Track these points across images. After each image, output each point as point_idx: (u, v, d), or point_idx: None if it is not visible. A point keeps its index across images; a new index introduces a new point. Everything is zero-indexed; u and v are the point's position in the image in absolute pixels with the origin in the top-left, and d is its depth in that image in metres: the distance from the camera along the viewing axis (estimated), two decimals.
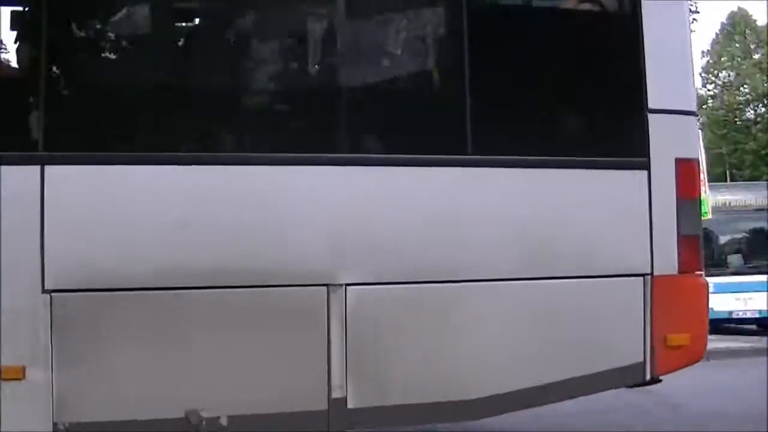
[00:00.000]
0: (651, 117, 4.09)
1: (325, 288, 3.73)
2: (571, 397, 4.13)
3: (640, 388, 4.23)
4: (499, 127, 3.95)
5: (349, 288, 3.74)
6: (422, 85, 4.12)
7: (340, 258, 3.76)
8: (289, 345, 3.70)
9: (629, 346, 4.03)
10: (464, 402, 3.85)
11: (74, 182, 3.51)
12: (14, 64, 3.86)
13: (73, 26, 3.80)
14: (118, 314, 3.54)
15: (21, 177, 3.48)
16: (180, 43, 4.08)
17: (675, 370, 4.18)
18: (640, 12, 4.10)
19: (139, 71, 3.82)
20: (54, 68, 3.69)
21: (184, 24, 4.13)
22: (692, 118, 4.26)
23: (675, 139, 4.15)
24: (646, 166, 4.07)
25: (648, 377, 4.08)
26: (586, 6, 4.30)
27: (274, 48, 4.00)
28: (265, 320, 3.69)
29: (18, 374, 3.44)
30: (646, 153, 4.07)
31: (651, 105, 4.09)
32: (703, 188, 5.28)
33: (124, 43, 3.95)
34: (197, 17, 4.11)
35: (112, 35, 3.95)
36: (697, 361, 4.25)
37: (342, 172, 3.79)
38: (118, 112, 3.69)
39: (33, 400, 3.46)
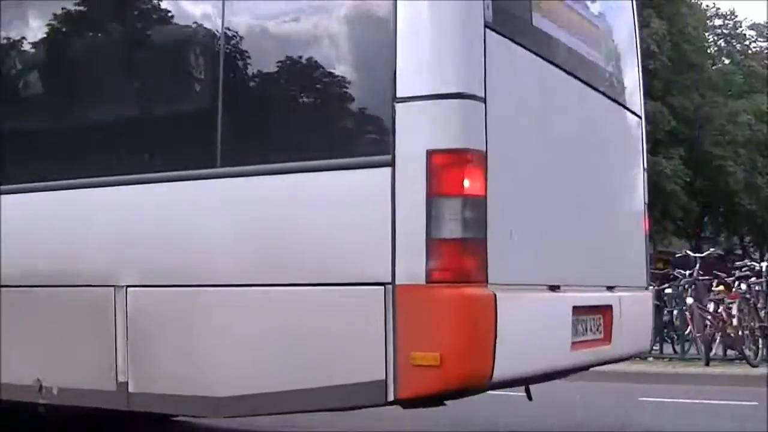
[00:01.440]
0: (399, 107, 3.77)
1: (112, 289, 4.39)
2: (314, 409, 4.03)
3: None
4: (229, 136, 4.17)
5: (129, 289, 4.35)
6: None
7: (123, 263, 4.39)
8: (90, 334, 4.47)
9: (369, 361, 3.79)
10: (214, 398, 4.13)
11: None
12: None
13: None
14: None
15: None
16: None
17: (430, 393, 3.74)
18: None
19: None
20: None
21: None
22: (460, 101, 3.72)
23: (431, 128, 3.74)
24: (390, 163, 3.78)
25: (392, 397, 3.75)
26: None
27: None
28: (72, 313, 4.52)
29: None
30: (389, 149, 3.78)
31: (400, 93, 3.77)
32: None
33: None
34: None
35: None
36: (468, 385, 3.73)
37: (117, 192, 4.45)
38: None
39: None
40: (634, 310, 5.25)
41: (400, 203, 3.75)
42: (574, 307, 4.44)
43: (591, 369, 5.21)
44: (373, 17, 3.95)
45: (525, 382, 4.43)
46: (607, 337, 4.88)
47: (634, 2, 5.74)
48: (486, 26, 3.86)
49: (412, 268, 3.71)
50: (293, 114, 4.17)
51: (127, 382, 4.35)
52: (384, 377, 3.75)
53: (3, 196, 4.71)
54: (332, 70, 4.05)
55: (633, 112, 5.58)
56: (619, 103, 5.37)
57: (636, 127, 5.62)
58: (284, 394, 3.99)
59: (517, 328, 3.83)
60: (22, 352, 4.67)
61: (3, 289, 4.66)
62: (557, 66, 4.52)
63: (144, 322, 4.33)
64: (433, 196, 3.71)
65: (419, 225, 3.71)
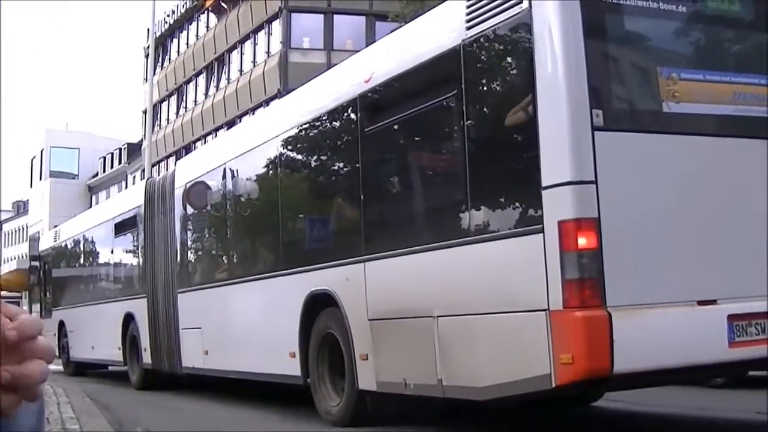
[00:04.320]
0: (544, 193, 6.12)
1: (431, 318, 7.30)
2: (514, 393, 6.44)
3: None
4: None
5: (439, 318, 7.22)
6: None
7: (434, 302, 7.28)
8: (422, 348, 7.40)
9: (540, 361, 6.15)
10: (476, 387, 6.80)
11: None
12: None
13: None
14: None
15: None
16: None
17: (572, 381, 5.97)
18: (536, 105, 6.19)
19: None
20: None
21: None
22: (574, 186, 5.91)
23: (559, 206, 6.02)
24: (542, 231, 6.15)
25: (554, 385, 6.07)
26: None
27: None
28: (412, 335, 7.50)
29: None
30: (541, 221, 6.14)
31: (544, 184, 6.12)
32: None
33: None
34: None
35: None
36: (591, 376, 5.89)
37: (423, 257, 7.35)
38: None
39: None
40: None
41: (548, 257, 6.09)
42: (732, 315, 6.22)
43: None
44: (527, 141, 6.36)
45: (660, 374, 6.29)
46: None
47: None
48: (594, 129, 6.02)
49: (556, 299, 6.03)
50: (500, 201, 6.77)
51: (442, 379, 7.21)
52: (549, 371, 6.10)
53: (374, 262, 7.97)
54: (518, 174, 6.59)
55: None
56: None
57: None
58: (502, 384, 6.53)
59: (635, 336, 5.90)
60: (393, 361, 7.82)
61: (380, 321, 7.90)
62: (698, 134, 6.38)
63: (446, 339, 7.16)
64: (562, 251, 6.01)
65: (558, 270, 6.02)
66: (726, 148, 6.51)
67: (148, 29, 40.68)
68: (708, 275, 6.30)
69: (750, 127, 6.61)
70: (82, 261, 20.10)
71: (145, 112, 46.77)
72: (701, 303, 6.22)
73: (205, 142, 41.84)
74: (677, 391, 7.93)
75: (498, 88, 7.01)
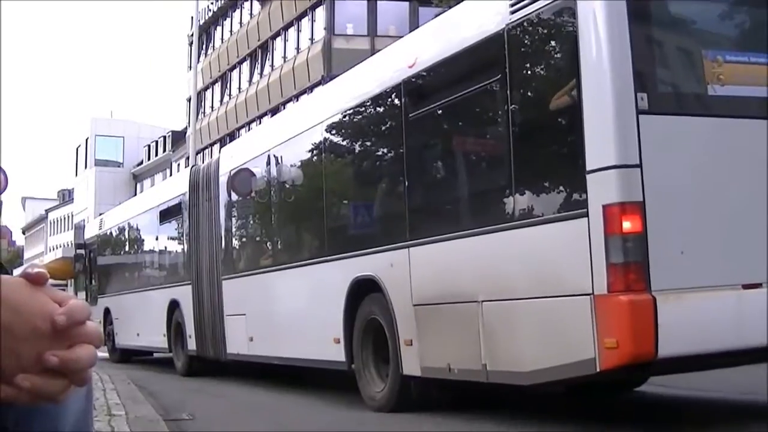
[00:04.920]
0: (588, 177, 6.17)
1: (476, 303, 7.38)
2: (558, 378, 6.51)
3: None
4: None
5: (483, 303, 7.31)
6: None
7: (478, 287, 7.36)
8: (466, 333, 7.51)
9: (585, 345, 6.22)
10: (522, 372, 6.87)
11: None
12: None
13: None
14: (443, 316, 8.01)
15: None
16: None
17: (617, 366, 6.03)
18: (581, 94, 6.24)
19: None
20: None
21: None
22: (618, 170, 5.97)
23: (603, 189, 6.07)
24: (586, 215, 6.21)
25: (598, 369, 6.13)
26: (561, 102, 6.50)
27: None
28: (457, 319, 7.60)
29: None
30: (586, 205, 6.20)
31: (588, 168, 6.18)
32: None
33: None
34: None
35: None
36: (636, 360, 5.94)
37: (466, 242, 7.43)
38: None
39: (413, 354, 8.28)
40: None
41: (593, 241, 6.14)
42: None
43: None
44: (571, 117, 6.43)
45: (705, 358, 6.31)
46: None
47: None
48: (639, 113, 6.06)
49: (600, 282, 6.08)
50: (545, 185, 6.84)
51: (486, 364, 7.30)
52: (594, 356, 6.17)
53: (419, 247, 8.07)
54: (562, 158, 6.65)
55: None
56: None
57: None
58: (546, 369, 6.61)
59: (680, 320, 5.95)
60: (437, 347, 7.92)
61: (424, 306, 8.00)
62: (743, 117, 6.38)
63: (490, 323, 7.24)
64: (607, 235, 6.06)
65: (602, 254, 6.07)
66: None
67: (192, 17, 40.99)
68: (753, 258, 6.31)
69: None
70: (127, 249, 20.41)
71: (189, 100, 47.15)
72: (746, 287, 6.25)
73: (249, 129, 42.17)
74: (724, 374, 7.90)
75: (542, 73, 7.09)
